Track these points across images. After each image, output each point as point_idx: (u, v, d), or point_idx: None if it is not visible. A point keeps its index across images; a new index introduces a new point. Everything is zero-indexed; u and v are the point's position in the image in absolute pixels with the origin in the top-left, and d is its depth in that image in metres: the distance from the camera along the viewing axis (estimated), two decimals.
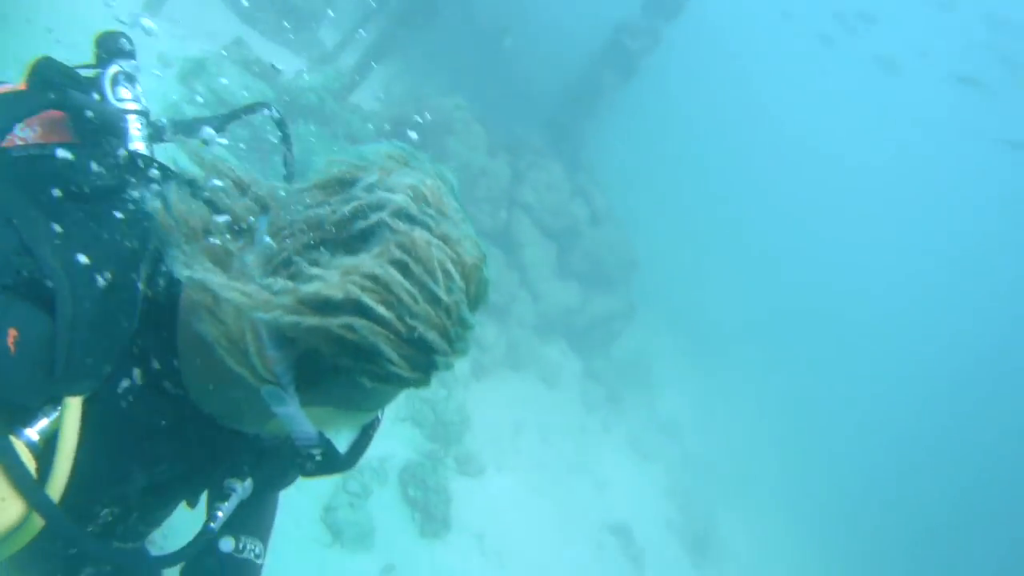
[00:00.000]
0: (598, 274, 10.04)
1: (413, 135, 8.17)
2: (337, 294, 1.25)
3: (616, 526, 8.22)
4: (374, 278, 1.26)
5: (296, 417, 1.33)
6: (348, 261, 1.29)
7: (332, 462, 1.53)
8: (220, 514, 1.74)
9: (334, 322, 1.25)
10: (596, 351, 10.36)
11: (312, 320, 1.25)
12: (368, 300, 1.24)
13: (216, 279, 1.32)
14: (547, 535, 7.06)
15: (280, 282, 1.30)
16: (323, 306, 1.26)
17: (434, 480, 5.87)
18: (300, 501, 5.06)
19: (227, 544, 1.97)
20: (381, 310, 1.25)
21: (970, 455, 28.92)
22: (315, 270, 1.28)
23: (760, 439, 15.70)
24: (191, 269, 1.34)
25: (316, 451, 1.46)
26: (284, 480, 2.04)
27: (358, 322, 1.24)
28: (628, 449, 10.14)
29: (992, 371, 33.96)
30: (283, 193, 1.44)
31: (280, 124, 2.05)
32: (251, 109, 2.03)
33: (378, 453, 5.85)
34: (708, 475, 11.89)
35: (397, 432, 6.29)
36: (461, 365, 6.91)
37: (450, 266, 1.30)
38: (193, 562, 2.00)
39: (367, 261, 1.27)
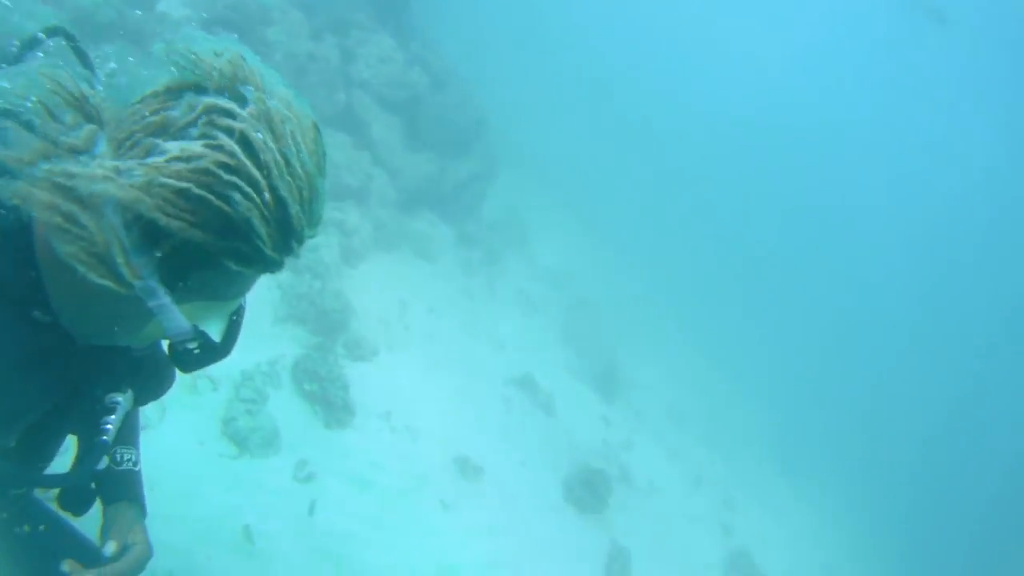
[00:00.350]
0: (451, 138, 9.88)
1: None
2: (201, 160, 1.24)
3: (519, 379, 8.34)
4: (244, 142, 1.26)
5: (170, 311, 1.34)
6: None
7: (210, 352, 1.53)
8: (109, 427, 1.78)
9: (223, 178, 1.24)
10: (465, 215, 10.31)
11: (188, 184, 1.23)
12: (246, 161, 1.26)
13: (79, 168, 1.26)
14: (453, 401, 7.12)
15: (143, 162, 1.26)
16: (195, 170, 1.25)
17: (327, 370, 5.80)
18: (196, 420, 4.94)
19: (102, 461, 1.94)
20: (256, 174, 1.26)
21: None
22: (171, 144, 1.26)
23: (648, 276, 16.01)
24: (44, 168, 1.28)
25: (193, 344, 1.47)
26: (162, 387, 2.08)
27: (238, 192, 1.25)
28: (517, 304, 10.23)
29: None
30: (114, 107, 1.39)
31: (79, 51, 1.93)
32: (44, 37, 1.91)
33: (267, 357, 5.75)
34: (600, 316, 12.12)
35: (280, 333, 6.17)
36: (330, 253, 6.81)
37: (299, 136, 1.34)
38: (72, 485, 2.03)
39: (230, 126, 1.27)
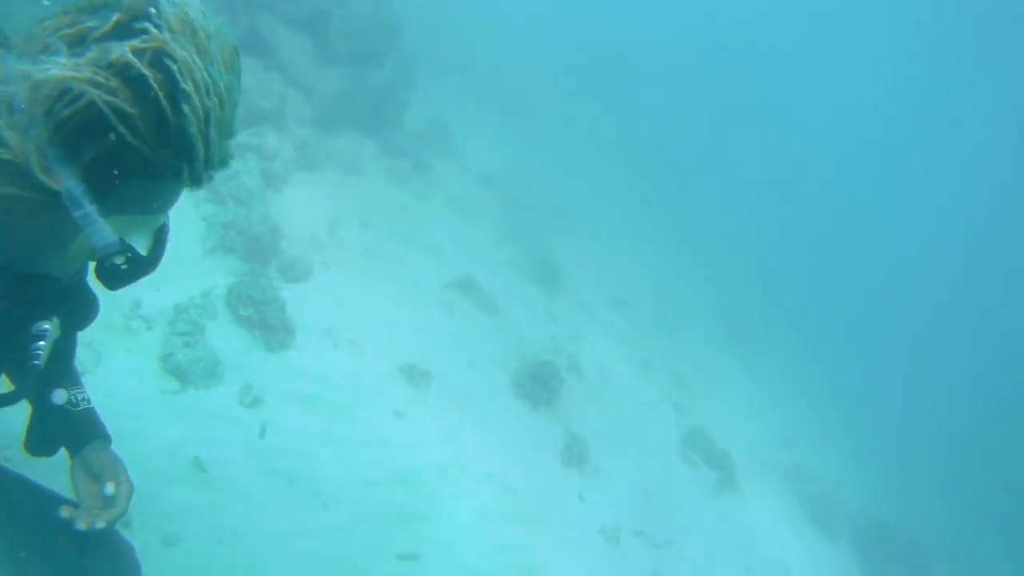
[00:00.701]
0: (363, 50, 9.66)
1: None
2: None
3: (459, 283, 8.33)
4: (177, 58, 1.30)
5: (96, 221, 1.36)
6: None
7: (137, 267, 1.56)
8: (40, 352, 1.79)
9: (180, 86, 1.29)
10: (388, 127, 10.16)
11: (148, 72, 1.27)
12: (182, 68, 1.30)
13: (25, 66, 1.27)
14: (394, 311, 7.11)
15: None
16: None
17: (261, 293, 5.74)
18: (133, 360, 4.88)
19: (59, 396, 2.10)
20: (189, 87, 1.30)
21: None
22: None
23: (581, 170, 16.02)
24: None
25: (120, 259, 1.49)
26: (88, 316, 2.07)
27: (187, 104, 1.29)
28: (450, 211, 10.18)
29: None
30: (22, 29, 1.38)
31: None
32: None
33: (199, 290, 5.67)
34: (536, 214, 12.13)
35: (210, 265, 6.07)
36: (252, 178, 6.69)
37: (220, 56, 1.38)
38: (38, 424, 2.19)
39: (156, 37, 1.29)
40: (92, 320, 2.15)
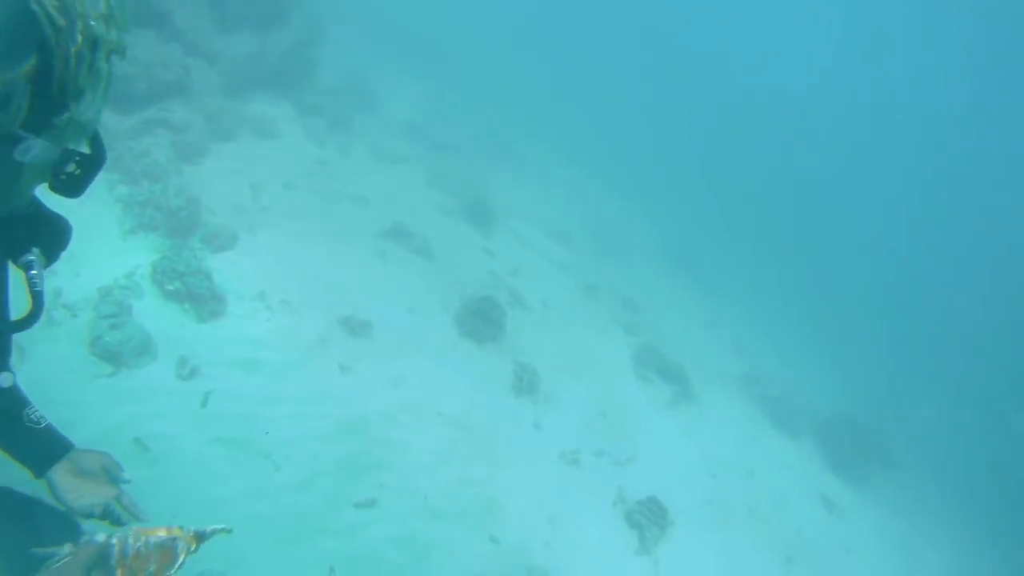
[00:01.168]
0: (263, 10, 9.44)
1: None
2: None
3: (390, 230, 8.29)
4: None
5: (39, 145, 1.47)
6: None
7: (89, 166, 1.67)
8: (38, 279, 1.89)
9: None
10: (301, 87, 10.01)
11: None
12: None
13: None
14: (327, 267, 7.07)
15: None
16: None
17: (185, 266, 5.66)
18: (61, 350, 4.82)
19: (5, 379, 2.21)
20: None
21: None
22: None
23: (506, 109, 15.95)
24: None
25: (71, 166, 1.63)
26: (63, 237, 2.10)
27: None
28: (374, 162, 10.10)
29: None
30: None
31: None
32: None
33: (123, 271, 5.58)
34: (462, 155, 12.06)
35: (131, 246, 5.96)
36: (163, 153, 6.56)
37: None
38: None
39: None
40: (70, 237, 2.18)
